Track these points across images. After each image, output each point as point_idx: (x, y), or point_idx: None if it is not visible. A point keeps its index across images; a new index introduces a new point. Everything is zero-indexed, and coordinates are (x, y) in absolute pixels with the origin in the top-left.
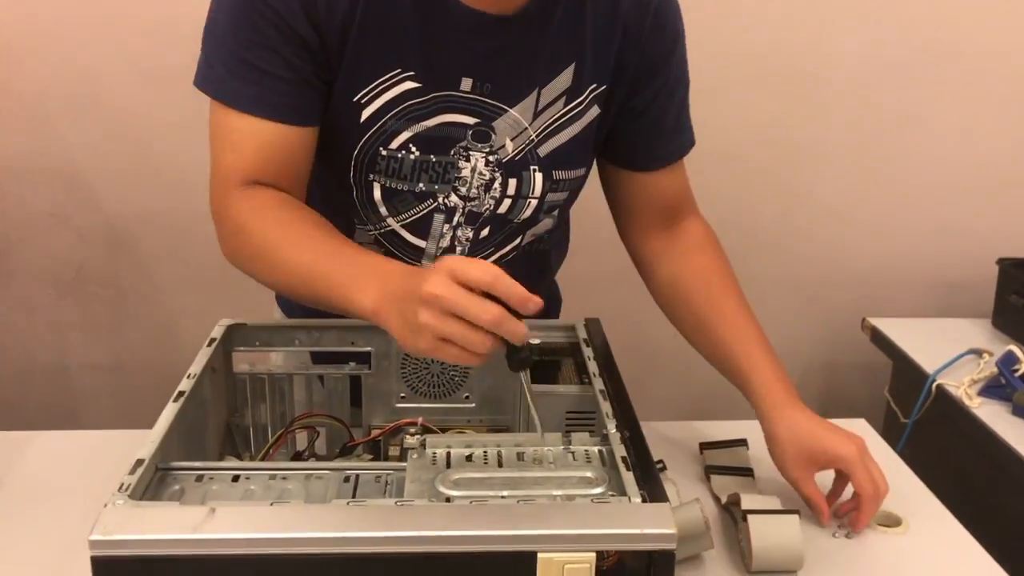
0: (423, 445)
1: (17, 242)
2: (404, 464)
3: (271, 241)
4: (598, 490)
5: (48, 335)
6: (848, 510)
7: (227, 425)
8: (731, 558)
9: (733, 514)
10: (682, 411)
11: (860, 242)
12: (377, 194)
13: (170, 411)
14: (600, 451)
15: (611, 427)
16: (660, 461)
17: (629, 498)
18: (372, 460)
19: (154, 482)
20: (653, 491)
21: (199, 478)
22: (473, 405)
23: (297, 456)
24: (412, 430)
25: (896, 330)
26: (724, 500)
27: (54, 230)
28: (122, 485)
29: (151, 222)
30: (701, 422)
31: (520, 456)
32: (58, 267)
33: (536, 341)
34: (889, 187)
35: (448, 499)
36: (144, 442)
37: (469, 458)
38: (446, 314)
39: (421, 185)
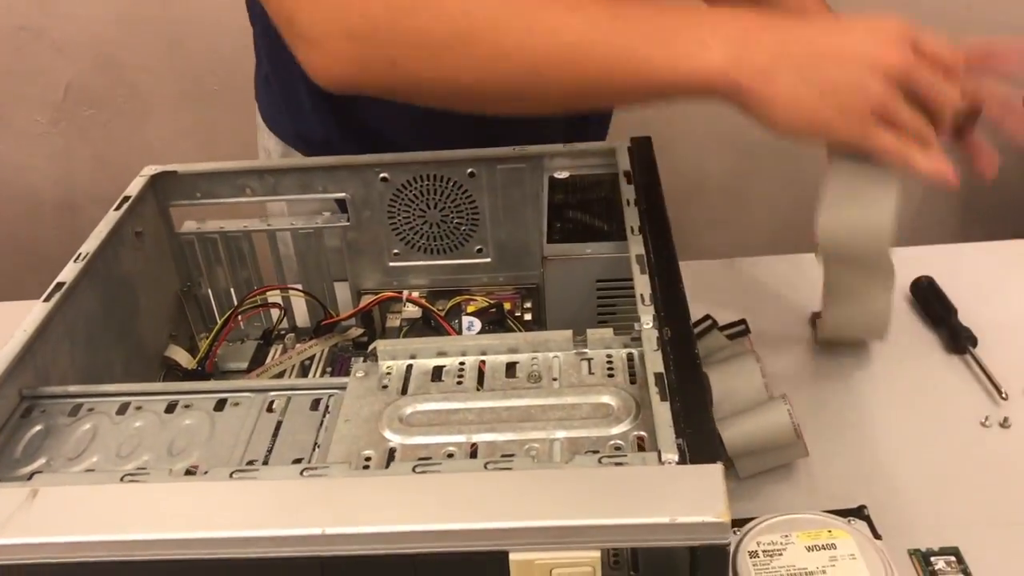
0: (374, 355)
1: None
2: (347, 380)
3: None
4: (619, 429)
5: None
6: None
7: (178, 298)
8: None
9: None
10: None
11: None
12: None
13: (40, 310)
14: (629, 356)
15: (645, 320)
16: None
17: (659, 454)
18: (363, 335)
19: (12, 421)
20: (699, 439)
21: (75, 409)
22: (489, 260)
23: (267, 334)
24: (396, 307)
25: None
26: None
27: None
28: None
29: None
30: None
31: (511, 369)
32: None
33: (564, 175)
34: None
35: (391, 450)
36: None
37: (438, 373)
38: (898, 92)
39: None
